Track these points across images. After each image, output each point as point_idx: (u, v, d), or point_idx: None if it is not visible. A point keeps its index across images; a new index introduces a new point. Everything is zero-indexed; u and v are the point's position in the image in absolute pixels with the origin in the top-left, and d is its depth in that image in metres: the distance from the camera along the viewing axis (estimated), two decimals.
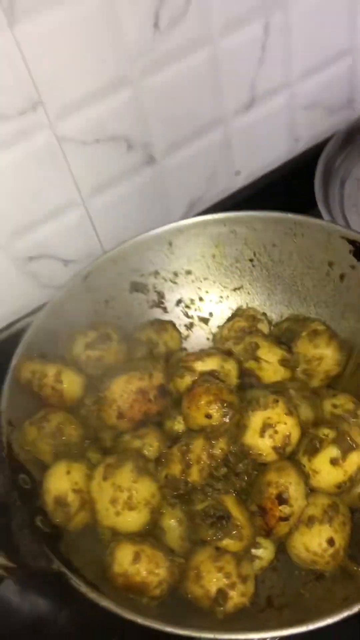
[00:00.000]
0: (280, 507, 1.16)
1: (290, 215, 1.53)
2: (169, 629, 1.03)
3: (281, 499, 1.16)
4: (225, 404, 1.22)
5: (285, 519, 1.17)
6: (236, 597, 1.14)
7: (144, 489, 1.21)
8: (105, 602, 1.08)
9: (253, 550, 1.22)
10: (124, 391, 1.30)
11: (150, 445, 1.30)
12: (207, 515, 1.18)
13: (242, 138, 2.06)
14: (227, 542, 1.16)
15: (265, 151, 2.18)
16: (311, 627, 1.02)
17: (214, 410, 1.22)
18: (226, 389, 1.22)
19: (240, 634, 1.03)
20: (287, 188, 2.07)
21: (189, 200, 2.03)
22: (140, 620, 1.05)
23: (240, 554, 1.17)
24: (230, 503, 1.19)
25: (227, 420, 1.22)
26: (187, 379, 1.33)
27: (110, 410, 1.31)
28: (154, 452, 1.30)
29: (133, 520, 1.20)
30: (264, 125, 2.07)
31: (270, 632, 1.03)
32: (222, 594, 1.13)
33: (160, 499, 1.23)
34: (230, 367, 1.37)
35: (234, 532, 1.16)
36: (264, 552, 1.24)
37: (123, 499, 1.18)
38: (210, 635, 1.02)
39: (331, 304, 1.57)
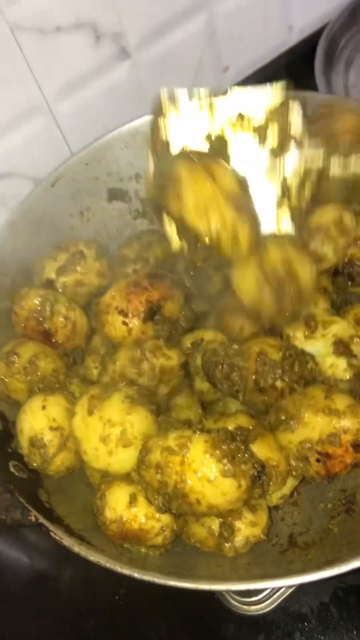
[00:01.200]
0: (356, 455, 0.97)
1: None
2: (172, 582, 0.85)
3: (357, 446, 0.96)
4: None
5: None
6: (245, 528, 0.96)
7: (140, 421, 1.01)
8: (94, 556, 0.90)
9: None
10: (116, 291, 1.14)
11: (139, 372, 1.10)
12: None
13: (228, 26, 1.79)
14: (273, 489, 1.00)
15: (256, 42, 1.91)
16: (344, 568, 0.83)
17: None
18: None
19: (257, 582, 0.85)
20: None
21: None
22: (137, 574, 0.87)
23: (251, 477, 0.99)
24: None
25: None
26: None
27: (111, 317, 1.13)
28: (146, 379, 1.10)
29: (131, 458, 1.00)
30: (252, 10, 1.80)
31: (295, 578, 0.84)
32: (226, 527, 0.95)
33: (157, 429, 1.04)
34: None
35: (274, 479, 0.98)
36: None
37: (116, 435, 0.99)
38: (223, 587, 0.84)
39: None
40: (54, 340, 1.20)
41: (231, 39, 1.83)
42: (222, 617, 1.22)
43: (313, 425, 0.97)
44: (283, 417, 1.01)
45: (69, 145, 1.62)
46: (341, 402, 0.97)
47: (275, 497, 1.03)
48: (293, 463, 1.00)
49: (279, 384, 1.04)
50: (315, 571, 0.84)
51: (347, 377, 1.09)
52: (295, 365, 1.06)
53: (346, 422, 0.95)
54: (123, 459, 0.99)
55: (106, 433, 0.98)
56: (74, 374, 1.21)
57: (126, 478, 1.00)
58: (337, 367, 1.09)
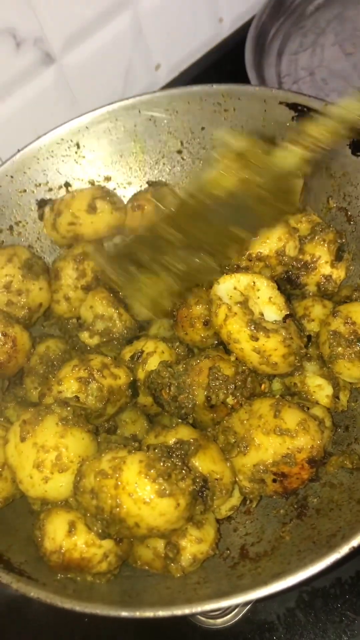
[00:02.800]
0: (312, 470, 0.94)
1: (215, 87, 1.25)
2: (114, 612, 0.81)
3: (312, 462, 0.93)
4: None
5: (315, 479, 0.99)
6: (191, 546, 0.91)
7: (75, 444, 0.96)
8: (33, 592, 0.85)
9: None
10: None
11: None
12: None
13: (155, 23, 1.75)
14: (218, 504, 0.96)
15: (186, 37, 1.87)
16: (291, 581, 0.80)
17: None
18: None
19: (203, 604, 0.80)
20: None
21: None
22: (78, 608, 0.82)
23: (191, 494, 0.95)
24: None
25: None
26: None
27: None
28: (93, 400, 1.04)
29: (67, 483, 0.94)
30: (179, 4, 1.76)
31: (242, 596, 0.80)
32: (171, 547, 0.90)
33: (96, 450, 0.99)
34: None
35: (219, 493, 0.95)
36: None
37: (50, 460, 0.94)
38: (167, 613, 0.79)
39: None
40: None
41: (160, 35, 1.79)
42: (188, 633, 1.18)
43: (265, 447, 0.93)
44: (233, 440, 0.97)
45: None
46: (291, 419, 0.94)
47: (224, 509, 1.00)
48: (248, 485, 0.97)
49: (230, 400, 1.00)
50: (262, 587, 0.80)
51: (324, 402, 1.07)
52: (248, 381, 1.03)
53: (300, 441, 0.92)
54: (59, 485, 0.94)
55: (40, 459, 0.93)
56: (11, 397, 1.16)
57: (65, 505, 0.96)
58: (323, 391, 1.06)
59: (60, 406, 0.99)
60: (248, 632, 1.17)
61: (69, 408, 0.99)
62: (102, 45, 1.66)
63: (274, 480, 0.94)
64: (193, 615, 1.07)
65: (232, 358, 1.03)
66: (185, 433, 0.97)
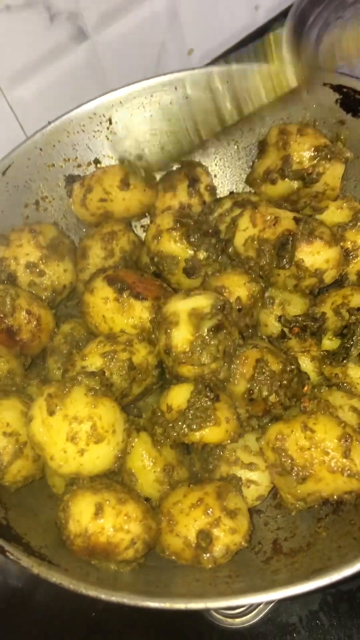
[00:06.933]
0: None
1: (256, 66, 1.19)
2: (143, 602, 0.76)
3: None
4: None
5: None
6: (225, 536, 0.86)
7: (108, 413, 0.91)
8: (55, 577, 0.80)
9: (244, 473, 0.96)
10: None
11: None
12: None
13: (191, 7, 1.71)
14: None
15: (221, 23, 1.83)
16: (336, 577, 0.75)
17: None
18: None
19: (239, 598, 0.75)
20: None
21: None
22: (104, 596, 0.77)
23: (222, 486, 0.91)
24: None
25: None
26: None
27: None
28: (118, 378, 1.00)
29: (105, 454, 0.91)
30: None
31: (281, 591, 0.75)
32: (203, 536, 0.85)
33: (127, 421, 0.96)
34: None
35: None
36: (260, 476, 0.96)
37: (85, 431, 0.89)
38: (201, 605, 0.74)
39: None
40: (17, 339, 1.09)
41: (195, 20, 1.75)
42: (205, 631, 1.13)
43: (327, 482, 0.89)
44: (289, 466, 0.90)
45: (26, 134, 1.51)
46: None
47: (250, 499, 0.95)
48: (294, 502, 0.92)
49: (272, 398, 0.96)
50: (303, 582, 0.75)
51: None
52: (294, 382, 0.99)
53: None
54: (96, 457, 0.90)
55: (74, 431, 0.89)
56: (33, 375, 1.11)
57: (90, 487, 0.90)
58: None
59: (87, 377, 0.94)
60: (268, 634, 1.12)
61: (96, 378, 0.94)
62: (136, 25, 1.62)
63: (325, 503, 0.92)
64: (224, 609, 1.02)
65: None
66: None
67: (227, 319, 0.97)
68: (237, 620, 1.13)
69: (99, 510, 0.86)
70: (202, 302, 0.97)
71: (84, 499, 0.88)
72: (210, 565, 0.85)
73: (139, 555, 0.87)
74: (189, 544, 0.85)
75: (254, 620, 1.12)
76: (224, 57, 1.86)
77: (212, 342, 0.94)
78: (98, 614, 1.18)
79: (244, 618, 1.12)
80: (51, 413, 0.90)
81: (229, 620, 1.13)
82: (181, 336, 0.95)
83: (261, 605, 1.10)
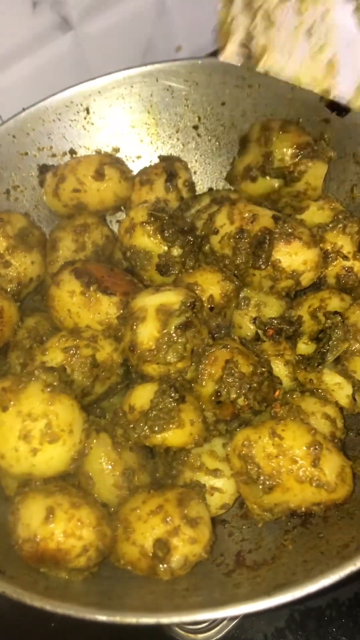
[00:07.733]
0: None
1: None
2: (90, 615, 0.70)
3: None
4: None
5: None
6: (184, 546, 0.80)
7: (65, 412, 0.86)
8: None
9: (208, 480, 0.91)
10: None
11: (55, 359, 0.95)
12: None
13: (180, 2, 1.67)
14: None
15: (211, 21, 1.79)
16: (299, 593, 0.70)
17: None
18: None
19: (195, 613, 0.70)
20: None
21: None
22: (49, 606, 0.71)
23: (184, 493, 0.85)
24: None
25: None
26: None
27: None
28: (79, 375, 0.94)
29: (59, 455, 0.86)
30: None
31: (241, 607, 0.70)
32: (161, 545, 0.79)
33: (86, 421, 0.90)
34: None
35: None
36: (225, 483, 0.91)
37: (39, 429, 0.84)
38: (152, 620, 0.69)
39: None
40: None
41: (184, 16, 1.71)
42: None
43: (295, 492, 0.84)
44: (255, 475, 0.85)
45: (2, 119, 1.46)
46: (331, 469, 0.84)
47: (214, 507, 0.89)
48: (260, 513, 0.88)
49: (241, 401, 0.91)
50: (264, 597, 0.70)
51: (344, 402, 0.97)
52: (264, 385, 0.94)
53: (337, 494, 0.84)
54: (50, 457, 0.85)
55: (27, 429, 0.84)
56: None
57: (42, 490, 0.85)
58: (342, 390, 0.97)
59: (45, 372, 0.89)
60: None
61: (54, 373, 0.89)
62: (123, 18, 1.58)
63: (293, 515, 0.87)
64: (180, 624, 0.97)
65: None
66: None
67: (197, 317, 0.93)
68: (200, 636, 1.07)
69: (49, 515, 0.81)
70: (171, 298, 0.92)
71: (34, 502, 0.82)
72: (167, 577, 0.79)
73: (91, 563, 0.82)
74: (145, 553, 0.80)
75: (218, 637, 1.06)
76: (213, 55, 1.83)
77: (180, 340, 0.89)
78: (57, 623, 1.12)
79: (207, 634, 1.07)
80: (4, 409, 0.85)
81: (191, 635, 1.07)
82: (147, 332, 0.90)
83: (225, 621, 1.05)
